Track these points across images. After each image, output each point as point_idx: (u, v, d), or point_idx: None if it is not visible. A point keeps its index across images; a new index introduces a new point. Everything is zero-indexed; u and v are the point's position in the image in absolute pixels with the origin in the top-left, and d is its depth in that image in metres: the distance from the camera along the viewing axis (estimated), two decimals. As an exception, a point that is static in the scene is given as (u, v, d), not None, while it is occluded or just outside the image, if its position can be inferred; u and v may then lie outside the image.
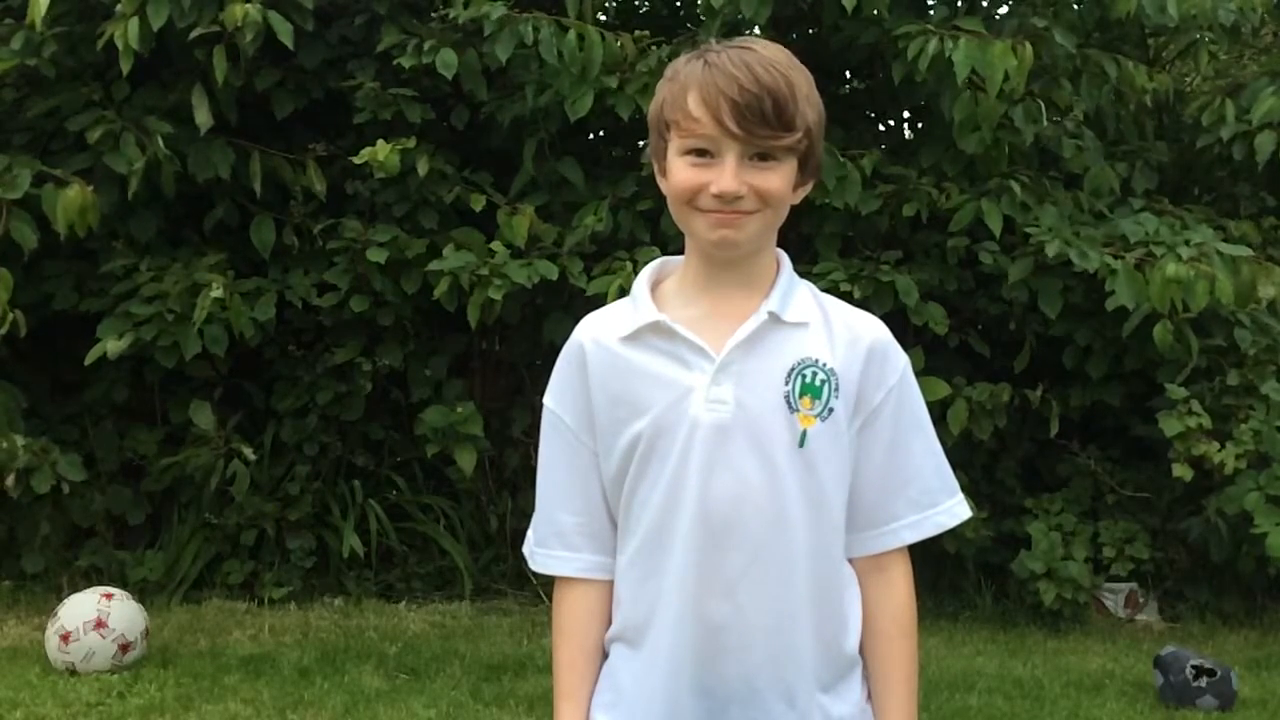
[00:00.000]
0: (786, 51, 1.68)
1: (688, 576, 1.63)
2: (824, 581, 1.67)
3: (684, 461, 1.64)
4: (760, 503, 1.62)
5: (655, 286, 1.75)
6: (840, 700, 1.69)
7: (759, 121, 1.60)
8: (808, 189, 1.72)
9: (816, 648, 1.66)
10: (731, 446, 1.62)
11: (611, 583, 1.72)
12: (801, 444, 1.62)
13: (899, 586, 1.71)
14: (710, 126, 1.60)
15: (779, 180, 1.64)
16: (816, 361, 1.64)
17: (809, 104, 1.66)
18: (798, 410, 1.62)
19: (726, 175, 1.61)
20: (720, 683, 1.64)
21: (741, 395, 1.63)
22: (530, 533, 1.79)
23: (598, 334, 1.73)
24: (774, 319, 1.66)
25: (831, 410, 1.63)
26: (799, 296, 1.70)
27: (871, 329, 1.71)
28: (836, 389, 1.64)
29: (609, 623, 1.72)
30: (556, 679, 1.74)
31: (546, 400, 1.76)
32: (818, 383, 1.63)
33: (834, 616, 1.68)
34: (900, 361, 1.71)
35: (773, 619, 1.63)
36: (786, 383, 1.63)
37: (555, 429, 1.75)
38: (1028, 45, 5.60)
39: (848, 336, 1.68)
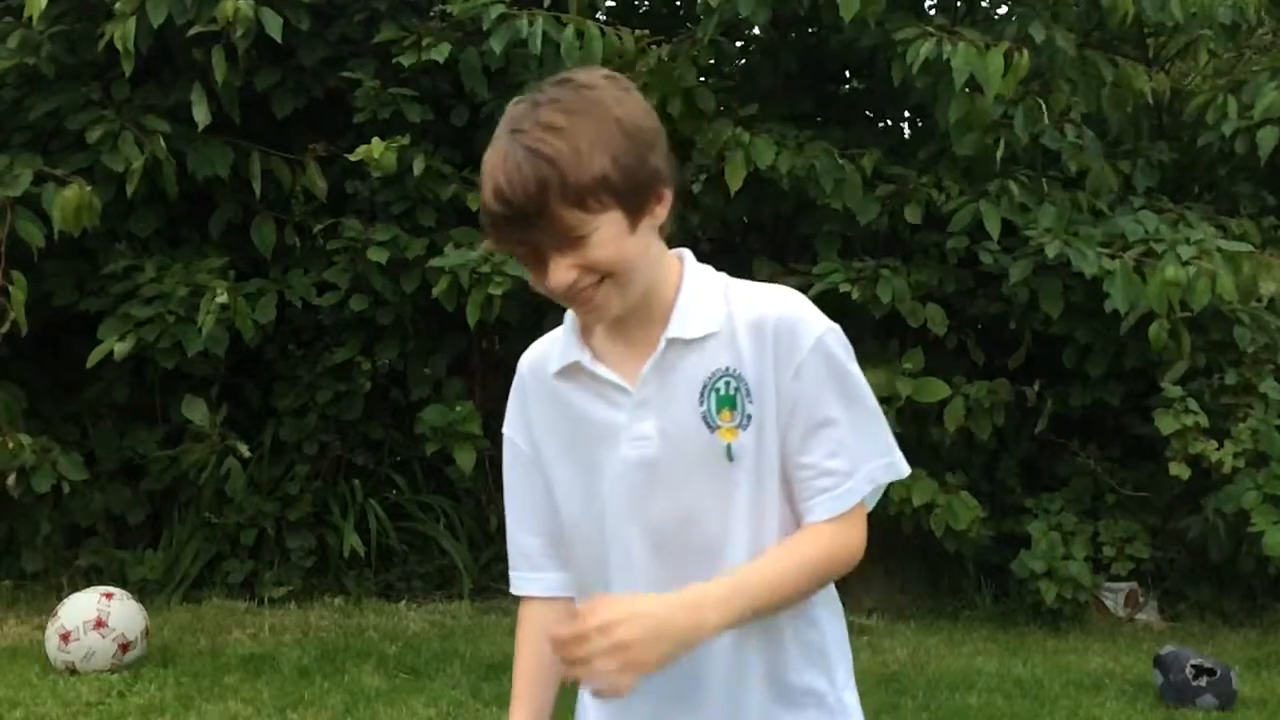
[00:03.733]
0: (577, 96, 1.53)
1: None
2: None
3: (618, 500, 1.64)
4: (703, 527, 1.61)
5: None
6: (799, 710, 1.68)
7: (531, 233, 1.52)
8: (666, 201, 1.59)
9: (771, 661, 1.66)
10: (663, 478, 1.60)
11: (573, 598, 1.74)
12: (730, 458, 1.59)
13: (824, 536, 1.62)
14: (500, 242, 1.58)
15: (606, 248, 1.53)
16: (727, 370, 1.60)
17: (597, 149, 1.50)
18: (719, 427, 1.60)
19: (550, 276, 1.55)
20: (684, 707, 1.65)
21: (664, 426, 1.61)
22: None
23: (535, 365, 1.73)
24: (677, 343, 1.61)
25: (750, 416, 1.60)
26: (703, 306, 1.62)
27: (776, 307, 1.62)
28: (749, 393, 1.59)
29: None
30: (513, 688, 1.76)
31: (504, 426, 1.78)
32: (731, 392, 1.60)
33: (797, 618, 1.66)
34: (810, 332, 1.60)
35: (728, 636, 1.61)
36: (701, 402, 1.60)
37: (512, 454, 1.76)
38: (1024, 52, 5.60)
39: (753, 327, 1.61)
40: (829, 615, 1.72)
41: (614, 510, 1.64)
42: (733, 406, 1.59)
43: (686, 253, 1.70)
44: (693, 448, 1.60)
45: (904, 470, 1.65)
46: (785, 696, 1.67)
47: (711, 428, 1.60)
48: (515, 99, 1.59)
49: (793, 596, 1.59)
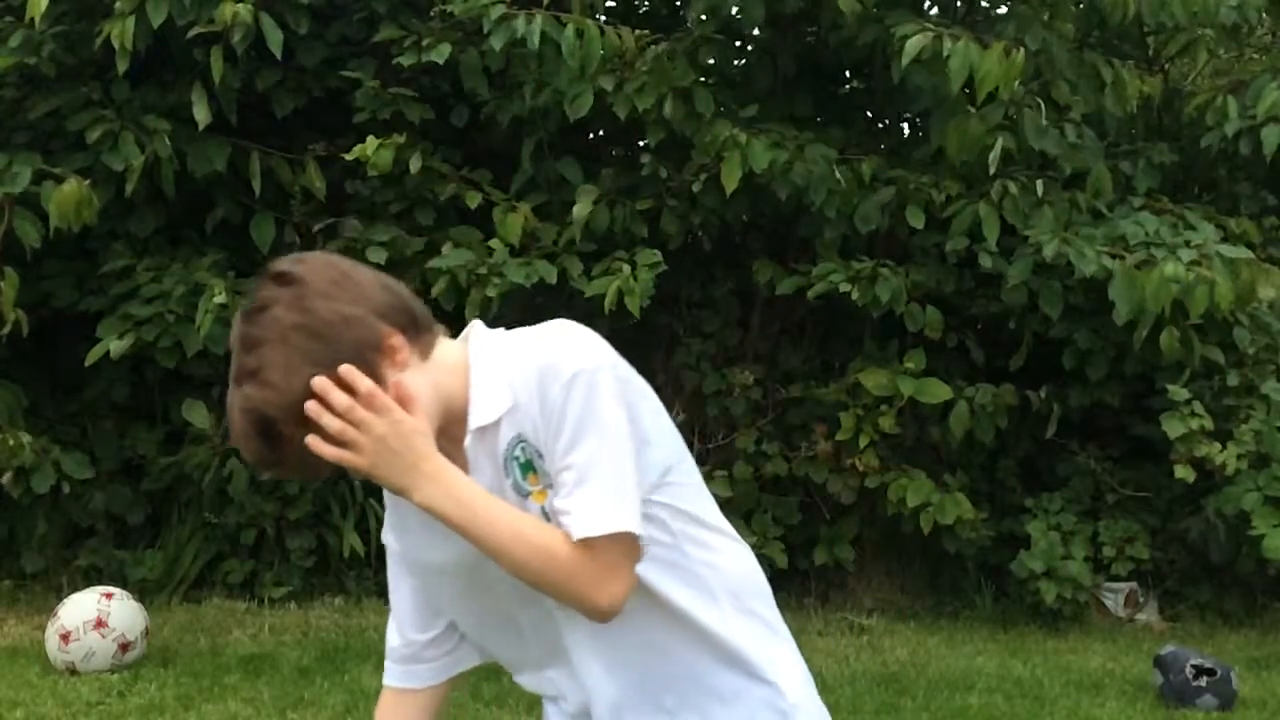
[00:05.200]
0: (256, 326, 1.56)
1: (526, 666, 1.77)
2: (640, 618, 1.67)
3: (468, 593, 1.73)
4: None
5: None
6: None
7: (292, 457, 1.57)
8: (399, 346, 1.58)
9: (658, 680, 1.71)
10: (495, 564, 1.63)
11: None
12: (547, 519, 1.61)
13: (568, 548, 1.59)
14: None
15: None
16: (518, 438, 1.61)
17: (292, 372, 1.52)
18: (530, 492, 1.62)
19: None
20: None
21: None
22: None
23: None
24: (479, 431, 1.63)
25: (548, 474, 1.60)
26: (491, 388, 1.63)
27: (536, 360, 1.61)
28: (539, 453, 1.60)
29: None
30: None
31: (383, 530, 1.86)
32: (528, 457, 1.61)
33: (671, 640, 1.70)
34: (565, 371, 1.58)
35: (626, 669, 1.69)
36: (507, 475, 1.62)
37: (388, 553, 1.84)
38: (1021, 49, 5.59)
39: (529, 381, 1.60)
40: (742, 624, 1.74)
41: (465, 603, 1.74)
42: (535, 470, 1.61)
43: (474, 331, 1.71)
44: None
45: (620, 526, 1.57)
46: (712, 695, 1.72)
47: (524, 494, 1.62)
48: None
49: (507, 563, 1.58)
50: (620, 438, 1.58)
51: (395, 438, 1.53)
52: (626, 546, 1.58)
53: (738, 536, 1.80)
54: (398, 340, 1.59)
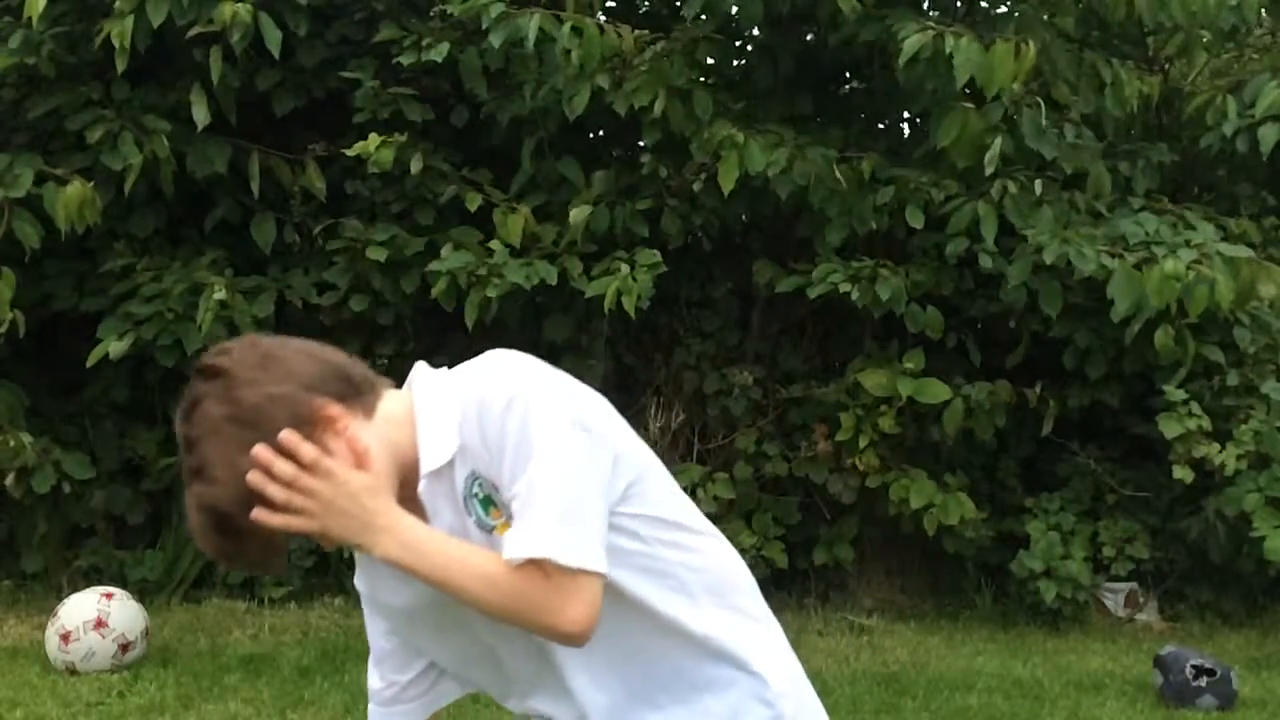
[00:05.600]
0: (191, 424, 1.58)
1: (511, 694, 1.77)
2: (623, 625, 1.68)
3: (442, 630, 1.74)
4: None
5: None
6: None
7: (257, 545, 1.61)
8: (336, 417, 1.58)
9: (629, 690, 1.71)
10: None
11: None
12: None
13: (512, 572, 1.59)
14: None
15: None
16: (472, 474, 1.61)
17: (232, 466, 1.54)
18: (494, 526, 1.62)
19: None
20: None
21: None
22: None
23: None
24: (432, 475, 1.63)
25: (505, 505, 1.60)
26: (437, 433, 1.63)
27: (473, 395, 1.60)
28: (494, 486, 1.60)
29: None
30: None
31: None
32: (486, 492, 1.61)
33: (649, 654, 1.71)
34: (498, 402, 1.58)
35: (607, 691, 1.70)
36: (469, 513, 1.63)
37: (362, 598, 1.87)
38: (1030, 44, 5.59)
39: (470, 418, 1.60)
40: (725, 620, 1.73)
41: (436, 644, 1.75)
42: (495, 504, 1.61)
43: (417, 378, 1.70)
44: None
45: (553, 551, 1.54)
46: (696, 686, 1.72)
47: (489, 530, 1.62)
48: None
49: (470, 602, 1.59)
50: (563, 459, 1.56)
51: (343, 498, 1.55)
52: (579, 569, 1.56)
53: (713, 530, 1.80)
54: (334, 409, 1.59)
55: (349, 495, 1.55)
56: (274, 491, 1.53)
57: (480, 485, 1.61)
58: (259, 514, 1.53)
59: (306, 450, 1.53)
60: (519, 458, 1.56)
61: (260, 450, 1.52)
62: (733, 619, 1.74)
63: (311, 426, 1.57)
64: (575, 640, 1.58)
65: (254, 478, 1.52)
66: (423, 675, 1.83)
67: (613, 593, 1.61)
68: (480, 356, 1.68)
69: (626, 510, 1.64)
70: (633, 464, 1.67)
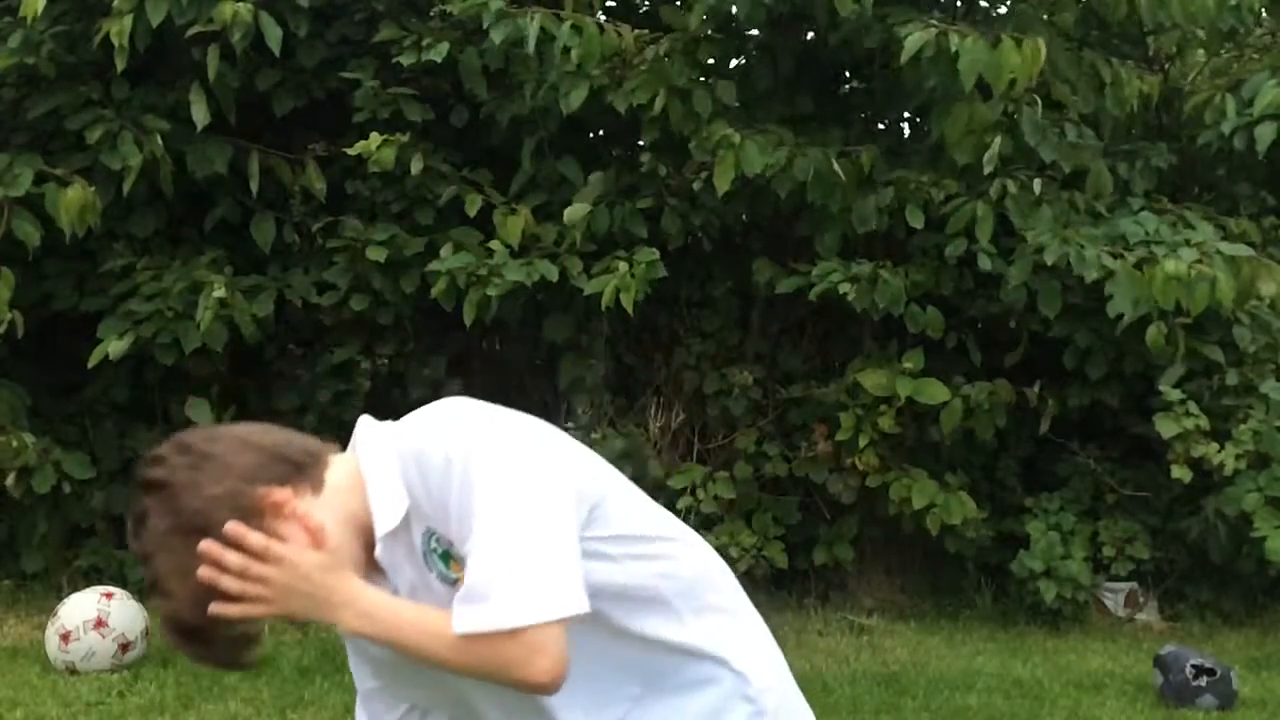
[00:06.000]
0: (141, 541, 1.60)
1: None
2: (601, 649, 1.68)
3: (417, 677, 1.72)
4: None
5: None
6: None
7: (219, 663, 1.66)
8: (283, 500, 1.58)
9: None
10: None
11: None
12: None
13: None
14: None
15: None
16: (427, 532, 1.61)
17: (183, 577, 1.56)
18: (456, 579, 1.60)
19: None
20: None
21: (423, 603, 1.64)
22: None
23: None
24: (388, 537, 1.62)
25: (461, 559, 1.58)
26: (387, 494, 1.61)
27: (415, 447, 1.60)
28: (449, 540, 1.59)
29: None
30: None
31: None
32: (444, 547, 1.60)
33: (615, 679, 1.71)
34: (437, 462, 1.57)
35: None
36: (430, 568, 1.62)
37: (345, 641, 1.87)
38: (1039, 42, 5.59)
39: (417, 479, 1.59)
40: (702, 623, 1.73)
41: (426, 678, 1.71)
42: (454, 558, 1.61)
43: (361, 437, 1.69)
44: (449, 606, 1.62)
45: (503, 621, 1.50)
46: (676, 689, 1.72)
47: (451, 583, 1.61)
48: None
49: (438, 665, 1.58)
50: (509, 514, 1.53)
51: (297, 580, 1.56)
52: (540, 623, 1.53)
53: (682, 533, 1.78)
54: (277, 494, 1.58)
55: (303, 576, 1.56)
56: (228, 584, 1.54)
57: (437, 541, 1.61)
58: (217, 608, 1.54)
59: (253, 539, 1.54)
60: (464, 518, 1.54)
61: (207, 545, 1.53)
62: (712, 620, 1.74)
63: (259, 516, 1.57)
64: (547, 690, 1.56)
65: (205, 573, 1.53)
66: (410, 711, 1.83)
67: (590, 624, 1.60)
68: (424, 409, 1.67)
69: (593, 534, 1.63)
70: (592, 489, 1.65)
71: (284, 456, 1.63)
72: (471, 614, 1.52)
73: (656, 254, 5.92)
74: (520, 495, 1.54)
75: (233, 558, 1.53)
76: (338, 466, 1.66)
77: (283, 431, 1.69)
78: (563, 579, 1.54)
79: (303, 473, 1.62)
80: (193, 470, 1.58)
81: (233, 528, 1.53)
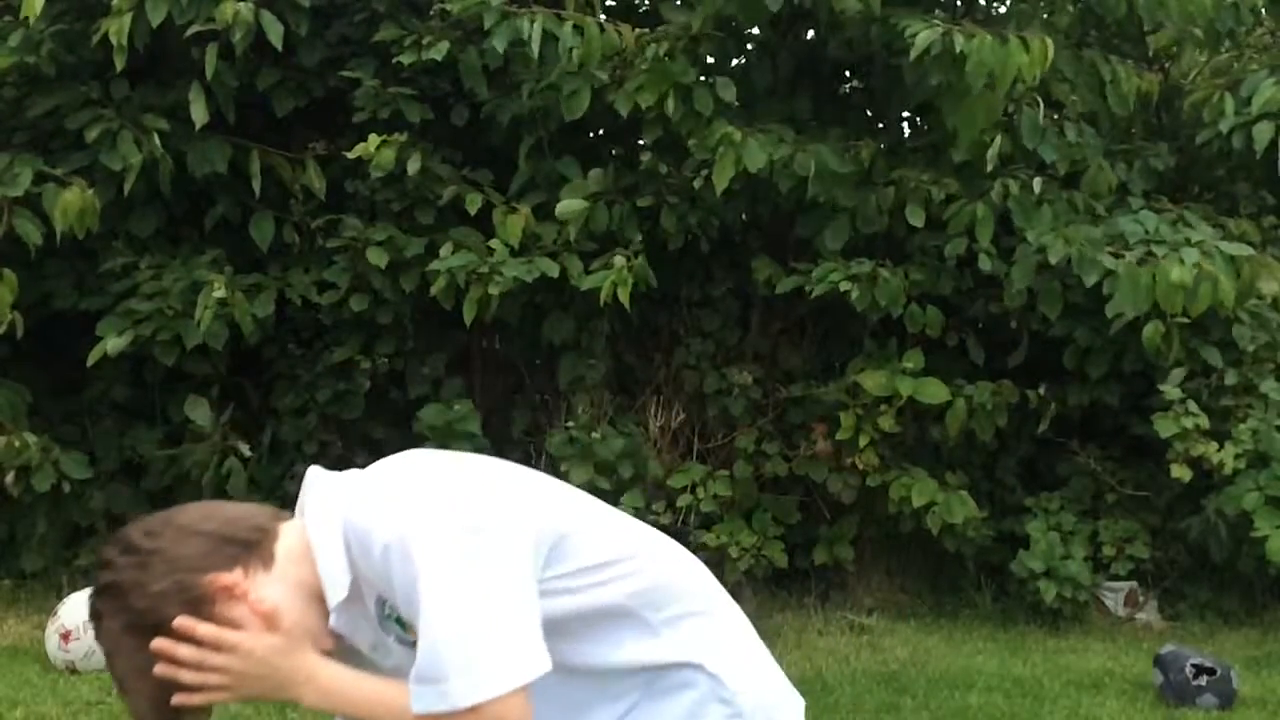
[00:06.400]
0: (101, 642, 1.65)
1: None
2: (578, 681, 1.68)
3: None
4: None
5: None
6: None
7: None
8: (233, 587, 1.58)
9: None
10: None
11: None
12: None
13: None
14: None
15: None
16: (379, 599, 1.61)
17: (141, 675, 1.58)
18: (414, 640, 1.59)
19: None
20: None
21: (389, 664, 1.64)
22: None
23: None
24: (339, 607, 1.62)
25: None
26: (332, 563, 1.61)
27: (358, 523, 1.59)
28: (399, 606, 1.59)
29: None
30: None
31: None
32: (396, 614, 1.60)
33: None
34: (375, 546, 1.55)
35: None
36: (388, 633, 1.62)
37: None
38: (1047, 41, 5.59)
39: (359, 555, 1.59)
40: (673, 633, 1.72)
41: None
42: (407, 622, 1.61)
43: (306, 498, 1.68)
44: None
45: (480, 696, 1.49)
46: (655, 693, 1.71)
47: (410, 644, 1.60)
48: None
49: None
50: (456, 587, 1.52)
51: (253, 665, 1.57)
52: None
53: (646, 545, 1.77)
54: (225, 579, 1.59)
55: (259, 661, 1.57)
56: (186, 677, 1.56)
57: (390, 607, 1.61)
58: (179, 699, 1.56)
59: (202, 631, 1.55)
60: (409, 600, 1.53)
61: (158, 642, 1.55)
62: (685, 626, 1.74)
63: (209, 604, 1.57)
64: None
65: (160, 670, 1.55)
66: None
67: (565, 671, 1.61)
68: (375, 469, 1.68)
69: (555, 573, 1.62)
70: (551, 528, 1.64)
71: (230, 538, 1.63)
72: (428, 694, 1.52)
73: (641, 247, 5.95)
74: (463, 567, 1.52)
75: (186, 651, 1.55)
76: (287, 536, 1.66)
77: (233, 507, 1.70)
78: (517, 644, 1.52)
79: (252, 550, 1.62)
80: (138, 569, 1.60)
81: (181, 622, 1.55)
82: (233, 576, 1.59)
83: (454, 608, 1.51)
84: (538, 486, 1.71)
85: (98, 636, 1.64)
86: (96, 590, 1.64)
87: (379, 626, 1.63)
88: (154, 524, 1.66)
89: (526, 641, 1.53)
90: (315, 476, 1.70)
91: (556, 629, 1.61)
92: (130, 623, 1.58)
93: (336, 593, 1.60)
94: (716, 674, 1.72)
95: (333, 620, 1.61)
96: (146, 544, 1.62)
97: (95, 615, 1.63)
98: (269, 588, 1.60)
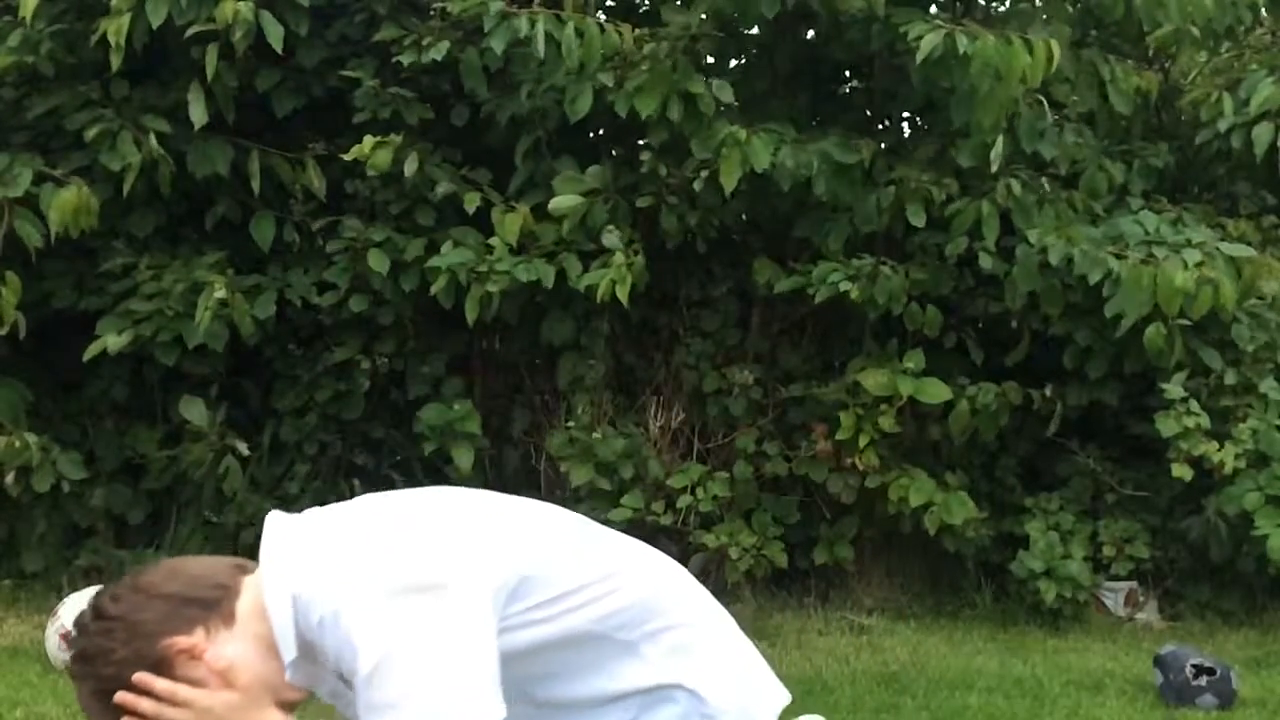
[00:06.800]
0: (81, 701, 1.70)
1: None
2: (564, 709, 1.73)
3: None
4: None
5: None
6: None
7: None
8: (193, 649, 1.64)
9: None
10: None
11: None
12: None
13: None
14: None
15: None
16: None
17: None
18: None
19: None
20: None
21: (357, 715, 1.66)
22: None
23: None
24: (295, 662, 1.65)
25: None
26: (284, 623, 1.64)
27: (299, 585, 1.64)
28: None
29: None
30: None
31: None
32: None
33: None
34: (314, 616, 1.61)
35: None
36: (346, 682, 1.65)
37: None
38: (1052, 41, 5.59)
39: (309, 624, 1.63)
40: (655, 649, 1.74)
41: None
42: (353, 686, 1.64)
43: (262, 557, 1.70)
44: None
45: None
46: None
47: None
48: None
49: None
50: (403, 653, 1.55)
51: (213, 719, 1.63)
52: None
53: (624, 558, 1.79)
54: (183, 641, 1.63)
55: (217, 717, 1.63)
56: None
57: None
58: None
59: (160, 687, 1.61)
60: (350, 668, 1.58)
61: (121, 695, 1.62)
62: (665, 640, 1.75)
63: (169, 667, 1.63)
64: None
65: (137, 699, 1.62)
66: None
67: (551, 707, 1.65)
68: (325, 519, 1.73)
69: (526, 604, 1.65)
70: (520, 561, 1.67)
71: (191, 599, 1.67)
72: None
73: (633, 235, 5.95)
74: (402, 631, 1.55)
75: (145, 704, 1.62)
76: (248, 591, 1.69)
77: (197, 564, 1.73)
78: (462, 698, 1.54)
79: (212, 610, 1.66)
80: (103, 636, 1.65)
81: (140, 677, 1.61)
82: (191, 639, 1.64)
83: (407, 670, 1.54)
84: (504, 525, 1.72)
85: (78, 696, 1.70)
86: (72, 656, 1.70)
87: (336, 674, 1.65)
88: (121, 589, 1.70)
89: (473, 693, 1.55)
90: (272, 528, 1.73)
91: (534, 661, 1.64)
92: (99, 689, 1.65)
93: (288, 653, 1.64)
94: (696, 690, 1.73)
95: (288, 675, 1.65)
96: (111, 609, 1.67)
97: (76, 677, 1.69)
98: (229, 645, 1.64)
